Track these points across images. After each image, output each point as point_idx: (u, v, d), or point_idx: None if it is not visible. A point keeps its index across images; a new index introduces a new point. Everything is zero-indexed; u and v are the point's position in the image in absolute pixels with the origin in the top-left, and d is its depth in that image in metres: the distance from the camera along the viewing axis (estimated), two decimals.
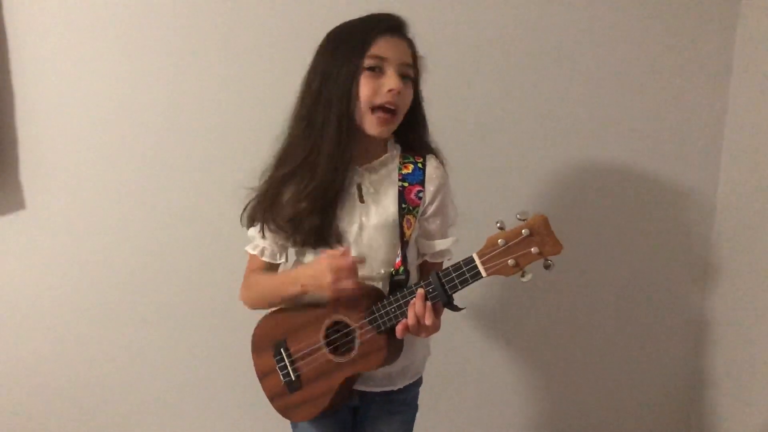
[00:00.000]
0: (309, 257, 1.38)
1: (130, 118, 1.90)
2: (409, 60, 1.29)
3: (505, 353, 2.08)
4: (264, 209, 1.34)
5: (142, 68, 1.88)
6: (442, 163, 1.40)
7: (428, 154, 1.39)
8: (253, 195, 1.37)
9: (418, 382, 1.50)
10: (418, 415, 1.52)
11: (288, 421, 1.46)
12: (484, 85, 1.92)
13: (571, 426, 2.14)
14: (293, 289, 1.29)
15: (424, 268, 1.44)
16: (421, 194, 1.34)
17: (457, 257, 1.35)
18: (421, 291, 1.21)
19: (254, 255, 1.40)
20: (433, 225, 1.38)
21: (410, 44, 1.32)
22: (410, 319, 1.21)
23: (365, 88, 1.25)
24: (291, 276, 1.33)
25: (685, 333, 2.06)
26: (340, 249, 1.24)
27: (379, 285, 1.33)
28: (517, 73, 1.92)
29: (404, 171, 1.35)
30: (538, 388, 2.11)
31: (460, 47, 1.90)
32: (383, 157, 1.36)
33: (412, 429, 1.51)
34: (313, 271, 1.25)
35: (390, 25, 1.28)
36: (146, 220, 1.95)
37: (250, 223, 1.39)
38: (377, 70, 1.25)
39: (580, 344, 2.08)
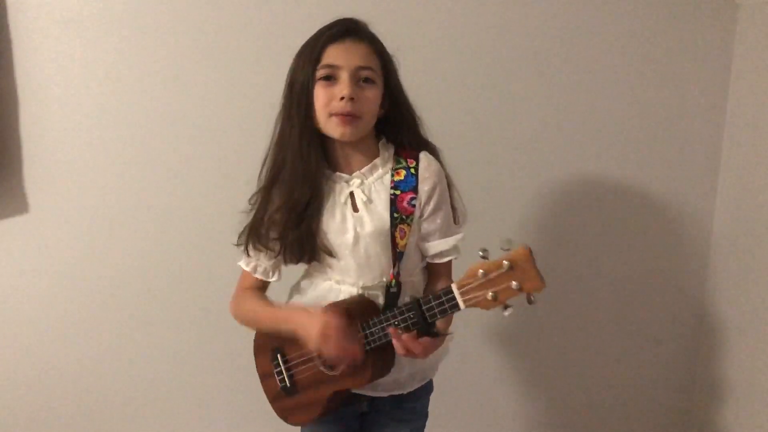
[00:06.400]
0: (316, 279, 1.39)
1: (134, 122, 1.90)
2: (366, 62, 1.26)
3: (509, 358, 2.07)
4: (249, 230, 1.35)
5: (146, 71, 1.88)
6: (438, 158, 1.37)
7: (421, 151, 1.35)
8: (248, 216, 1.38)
9: (429, 389, 1.48)
10: (428, 422, 1.50)
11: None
12: (480, 91, 1.89)
13: (574, 426, 2.12)
14: (285, 328, 1.29)
15: (432, 270, 1.40)
16: (414, 201, 1.30)
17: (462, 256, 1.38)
18: (392, 330, 1.19)
19: (247, 271, 1.40)
20: (434, 224, 1.34)
21: (370, 44, 1.29)
22: (398, 350, 1.20)
23: (320, 98, 1.26)
24: (284, 315, 1.32)
25: (685, 336, 2.03)
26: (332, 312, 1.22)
27: (380, 295, 1.32)
28: (513, 77, 1.89)
29: (396, 178, 1.31)
30: (540, 390, 2.10)
31: (457, 51, 1.88)
32: (375, 161, 1.33)
33: None
34: (307, 323, 1.24)
35: (340, 31, 1.27)
36: (150, 222, 1.96)
37: (243, 244, 1.38)
38: (331, 79, 1.25)
39: (584, 348, 2.05)
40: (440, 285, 1.37)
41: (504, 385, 2.08)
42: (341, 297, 1.32)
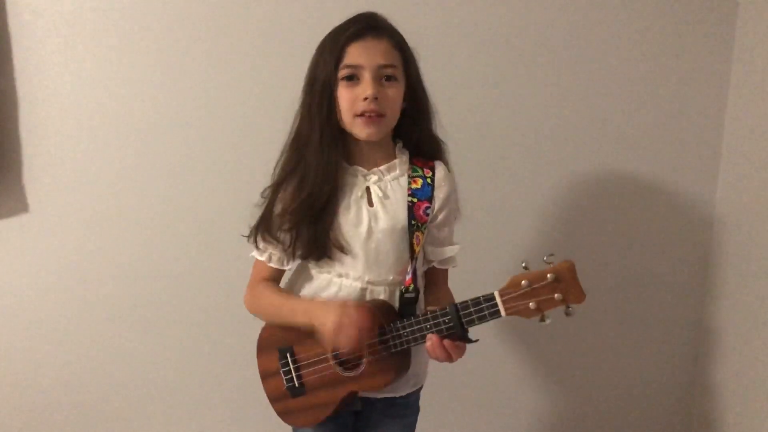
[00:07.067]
0: (313, 271, 1.37)
1: (133, 122, 1.88)
2: (388, 60, 1.26)
3: (505, 356, 2.07)
4: (259, 222, 1.34)
5: (146, 70, 1.85)
6: (446, 158, 1.40)
7: (437, 158, 1.38)
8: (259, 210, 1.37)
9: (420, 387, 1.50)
10: (419, 416, 1.51)
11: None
12: (480, 90, 1.90)
13: (571, 428, 2.14)
14: (302, 320, 1.27)
15: (433, 276, 1.43)
16: (428, 210, 1.33)
17: (460, 260, 1.42)
18: (435, 338, 1.19)
19: (261, 261, 1.38)
20: (442, 233, 1.38)
21: (390, 40, 1.28)
22: (435, 355, 1.21)
23: (344, 98, 1.26)
24: (303, 307, 1.30)
25: (685, 338, 2.05)
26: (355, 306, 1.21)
27: (387, 292, 1.32)
28: (514, 76, 1.90)
29: (413, 186, 1.33)
30: (538, 391, 2.10)
31: (461, 49, 1.87)
32: (391, 162, 1.35)
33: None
34: (324, 313, 1.23)
35: (360, 28, 1.26)
36: (150, 222, 1.94)
37: (253, 237, 1.38)
38: (354, 79, 1.25)
39: (582, 348, 2.07)
40: (440, 291, 1.41)
41: (501, 385, 2.08)
42: (342, 291, 1.32)
